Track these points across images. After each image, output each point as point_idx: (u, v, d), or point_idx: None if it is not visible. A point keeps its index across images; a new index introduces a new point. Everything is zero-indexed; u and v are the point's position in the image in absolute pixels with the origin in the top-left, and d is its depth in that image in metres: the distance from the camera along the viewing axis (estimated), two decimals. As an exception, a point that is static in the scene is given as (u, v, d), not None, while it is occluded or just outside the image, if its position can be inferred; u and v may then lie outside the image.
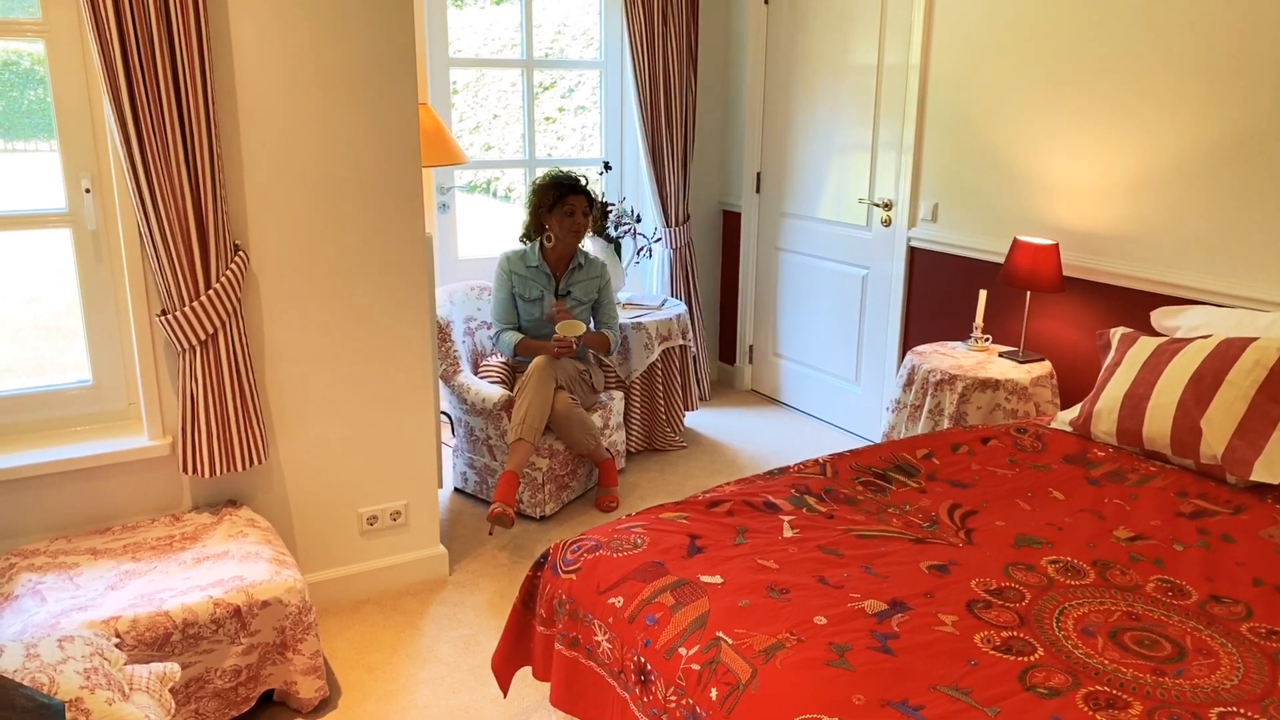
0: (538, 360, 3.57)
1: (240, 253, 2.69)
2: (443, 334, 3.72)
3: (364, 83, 2.79)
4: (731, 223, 5.17)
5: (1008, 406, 3.25)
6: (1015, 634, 1.85)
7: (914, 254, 4.10)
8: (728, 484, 2.57)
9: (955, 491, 2.52)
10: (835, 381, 4.64)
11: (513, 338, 3.72)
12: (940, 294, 4.00)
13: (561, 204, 3.68)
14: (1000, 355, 3.50)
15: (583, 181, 3.73)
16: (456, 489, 3.93)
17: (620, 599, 2.05)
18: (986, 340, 3.59)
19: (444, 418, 4.56)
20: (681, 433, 4.41)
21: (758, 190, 4.99)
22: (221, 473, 2.75)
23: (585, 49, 9.70)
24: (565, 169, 3.78)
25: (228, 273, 2.64)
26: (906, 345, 4.21)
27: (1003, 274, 3.41)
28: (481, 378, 3.81)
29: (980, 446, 2.81)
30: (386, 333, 2.99)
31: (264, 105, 2.68)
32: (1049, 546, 2.22)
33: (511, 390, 3.84)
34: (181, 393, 2.68)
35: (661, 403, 4.30)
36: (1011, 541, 2.24)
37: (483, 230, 10.51)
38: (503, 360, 3.89)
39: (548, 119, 11.54)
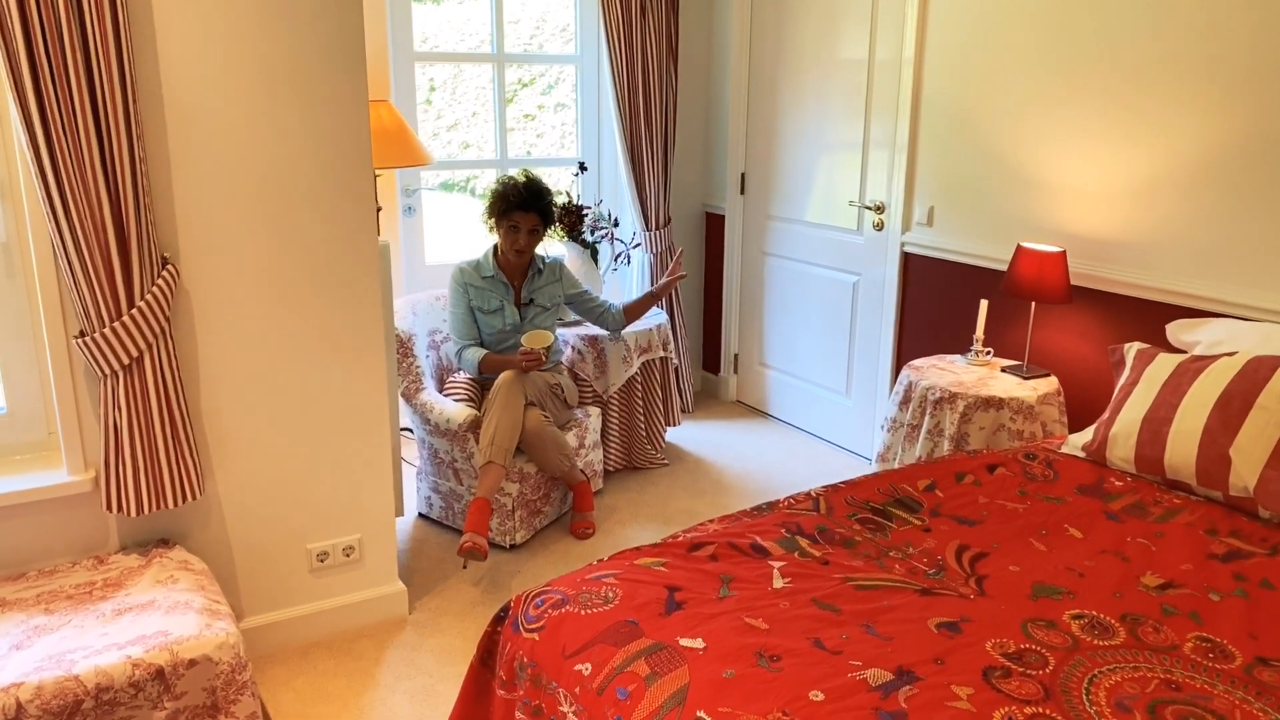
0: (505, 375, 3.31)
1: (169, 266, 2.42)
2: (404, 348, 3.45)
3: (308, 77, 2.52)
4: (715, 226, 4.92)
5: (1013, 427, 3.01)
6: (1041, 710, 1.61)
7: (908, 260, 3.86)
8: (711, 521, 2.32)
9: (963, 530, 2.28)
10: (825, 394, 4.40)
11: (476, 354, 3.46)
12: (936, 303, 3.77)
13: (506, 217, 3.44)
14: (1003, 370, 3.26)
15: (542, 194, 3.43)
16: (421, 514, 3.67)
17: (588, 666, 1.80)
18: (987, 354, 3.35)
19: (407, 435, 4.30)
20: (663, 449, 4.16)
21: (742, 191, 4.74)
22: (150, 510, 2.48)
23: (565, 45, 9.43)
24: (536, 171, 3.51)
25: (154, 288, 2.37)
26: (900, 357, 3.97)
27: (1005, 283, 3.18)
28: (447, 395, 3.55)
29: (987, 475, 2.57)
30: (337, 350, 2.73)
31: (195, 102, 2.41)
32: (1070, 597, 1.98)
33: (479, 409, 3.57)
34: (104, 423, 2.40)
35: (641, 418, 4.05)
36: (1029, 591, 1.99)
37: (458, 232, 10.19)
38: (469, 377, 3.63)
39: (527, 116, 11.27)
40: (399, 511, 3.16)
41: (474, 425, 3.30)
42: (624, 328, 3.78)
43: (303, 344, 2.67)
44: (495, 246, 3.54)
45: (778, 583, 2.01)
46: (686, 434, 4.51)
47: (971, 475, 2.56)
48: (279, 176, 2.55)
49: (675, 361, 4.23)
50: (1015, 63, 3.33)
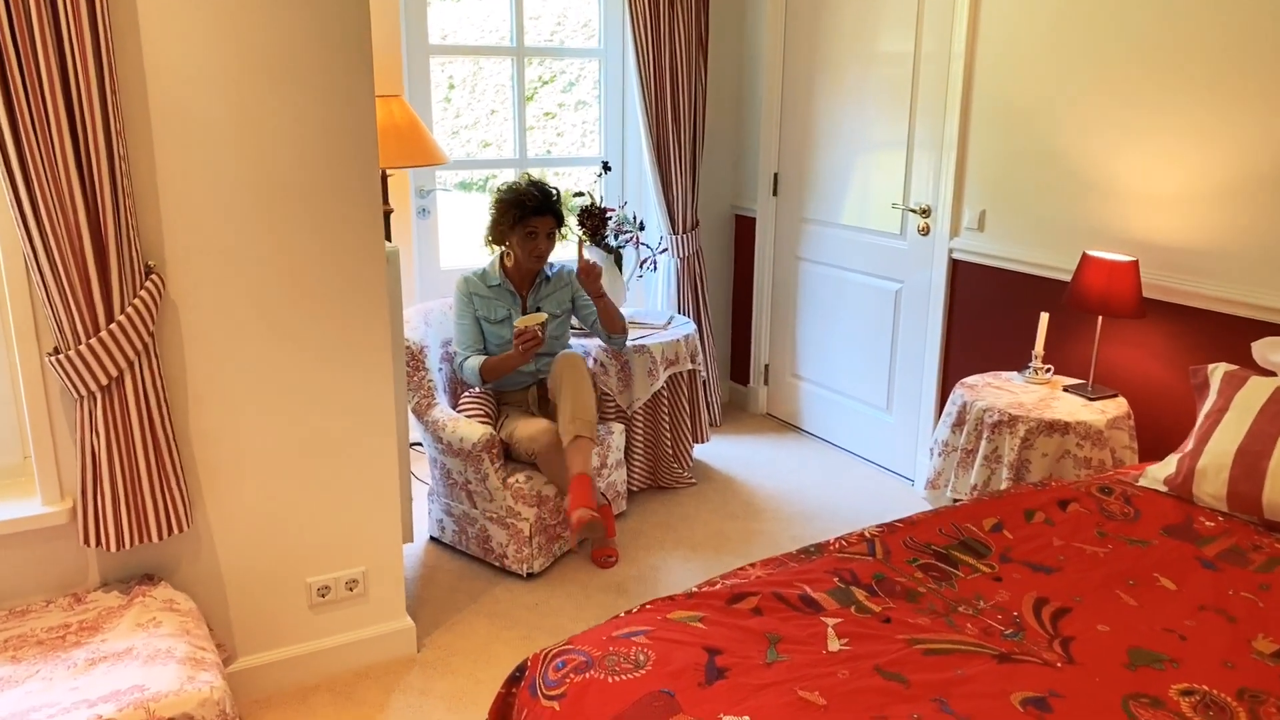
0: (563, 354, 3.27)
1: (154, 275, 2.19)
2: (414, 361, 3.21)
3: (310, 68, 2.29)
4: (745, 229, 4.66)
5: (1079, 454, 2.74)
6: (1158, 817, 1.35)
7: (956, 267, 3.59)
8: (752, 566, 2.07)
9: (1038, 579, 2.01)
10: (864, 409, 4.14)
11: (476, 361, 3.27)
12: (988, 314, 3.49)
13: (523, 224, 3.22)
14: (1065, 390, 2.99)
15: (553, 195, 3.27)
16: (432, 538, 3.43)
17: (617, 747, 1.55)
18: (1047, 371, 3.08)
19: (418, 450, 4.06)
20: (690, 468, 3.90)
21: (775, 193, 4.48)
22: (131, 545, 2.25)
23: (586, 40, 9.19)
24: (558, 172, 3.26)
25: (136, 300, 2.14)
26: (947, 371, 3.70)
27: (1069, 295, 2.90)
28: (461, 412, 3.31)
29: (1059, 513, 2.30)
30: (340, 366, 2.49)
31: (183, 94, 2.17)
32: (1175, 666, 1.71)
33: (495, 425, 3.33)
34: (80, 449, 2.18)
35: (668, 435, 3.80)
36: (1125, 659, 1.73)
37: (475, 235, 9.97)
38: (483, 391, 3.39)
39: (547, 114, 11.02)
40: (408, 537, 2.92)
41: (489, 445, 3.06)
42: (611, 338, 3.50)
43: (302, 359, 2.44)
44: (501, 255, 3.34)
45: (833, 644, 1.75)
46: (714, 450, 4.26)
47: (1042, 512, 2.29)
48: (277, 177, 2.31)
49: (704, 374, 3.97)
50: (1079, 54, 3.05)
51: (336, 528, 2.58)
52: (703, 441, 4.00)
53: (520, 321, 3.13)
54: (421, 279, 4.19)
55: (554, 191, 3.28)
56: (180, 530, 2.30)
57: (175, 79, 2.16)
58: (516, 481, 3.09)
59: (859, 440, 4.18)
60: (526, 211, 3.21)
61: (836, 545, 2.14)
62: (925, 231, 3.70)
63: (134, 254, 2.13)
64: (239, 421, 2.40)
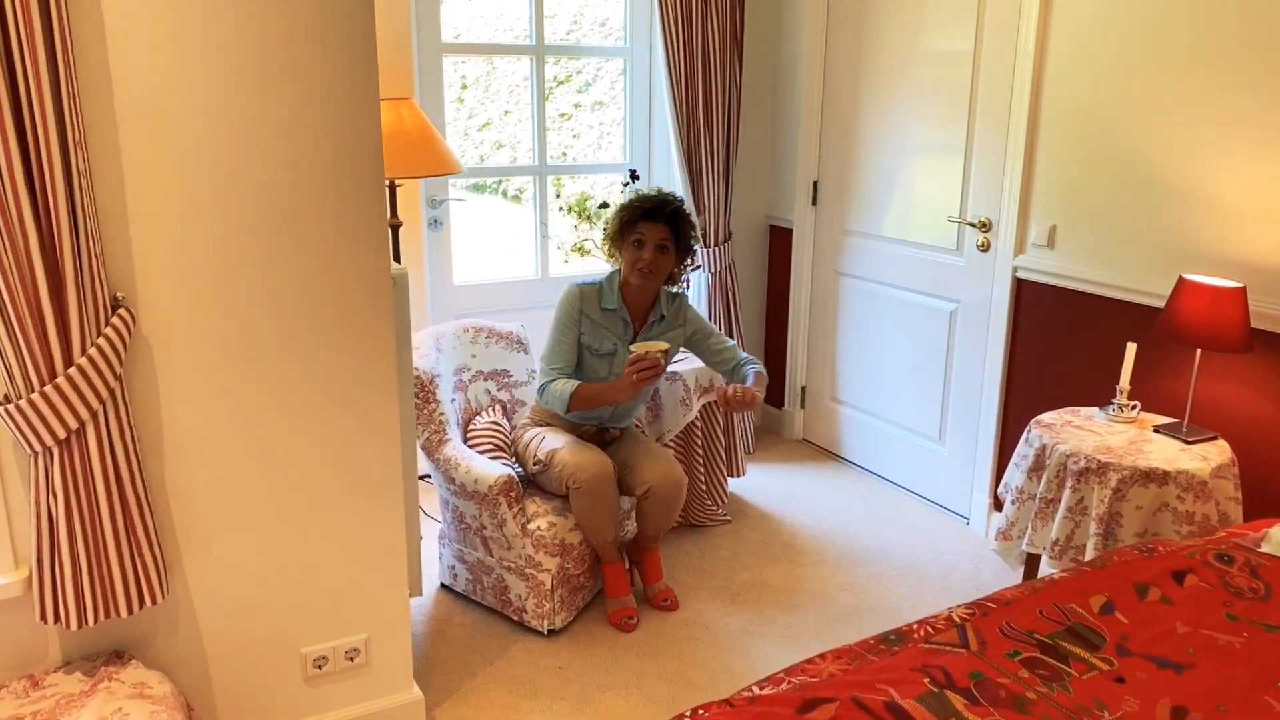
0: (592, 467, 2.79)
1: (122, 309, 1.88)
2: (425, 392, 2.90)
3: (304, 69, 1.97)
4: (781, 241, 4.33)
5: (1180, 508, 2.40)
6: None
7: (1021, 287, 3.26)
8: (823, 658, 1.74)
9: (1168, 678, 1.68)
10: (912, 439, 3.80)
11: (568, 386, 2.84)
12: (1058, 340, 3.16)
13: (631, 229, 2.85)
14: (1156, 430, 2.66)
15: (673, 204, 2.87)
16: (443, 585, 3.12)
17: None
18: (1134, 409, 2.74)
19: (427, 481, 3.75)
20: (725, 504, 3.58)
21: (814, 203, 4.15)
22: (95, 621, 1.94)
23: (604, 39, 8.88)
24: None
25: (101, 340, 1.83)
26: (1009, 400, 3.36)
27: (1162, 323, 2.57)
28: (473, 444, 3.00)
29: (1175, 588, 1.97)
30: (339, 408, 2.18)
31: (156, 98, 1.86)
32: (1364, 811, 1.38)
33: (513, 455, 3.02)
34: (35, 512, 1.87)
35: (701, 470, 3.47)
36: (1300, 799, 1.40)
37: (489, 242, 9.58)
38: (492, 421, 3.06)
39: (563, 115, 10.72)
40: (416, 591, 2.61)
41: (507, 488, 2.74)
42: (734, 379, 3.07)
43: (295, 402, 2.13)
44: (619, 273, 2.95)
45: (935, 776, 1.43)
46: (749, 481, 3.93)
47: (1157, 588, 1.96)
48: (266, 194, 2.00)
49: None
50: (1171, 45, 2.71)
51: (335, 590, 2.27)
52: (738, 475, 3.68)
53: (639, 346, 2.73)
54: (434, 297, 3.88)
55: (677, 201, 2.90)
56: (154, 602, 1.99)
57: (147, 82, 1.85)
58: (538, 528, 2.78)
59: (907, 473, 3.84)
60: (636, 215, 2.84)
61: (921, 632, 1.81)
62: (985, 247, 3.36)
63: (97, 285, 1.82)
64: (223, 474, 2.09)
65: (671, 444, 3.37)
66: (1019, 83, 3.14)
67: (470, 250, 8.58)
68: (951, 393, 3.59)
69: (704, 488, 3.49)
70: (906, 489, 3.86)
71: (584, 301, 2.89)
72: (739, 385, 2.85)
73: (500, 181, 11.23)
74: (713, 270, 4.02)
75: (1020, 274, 3.24)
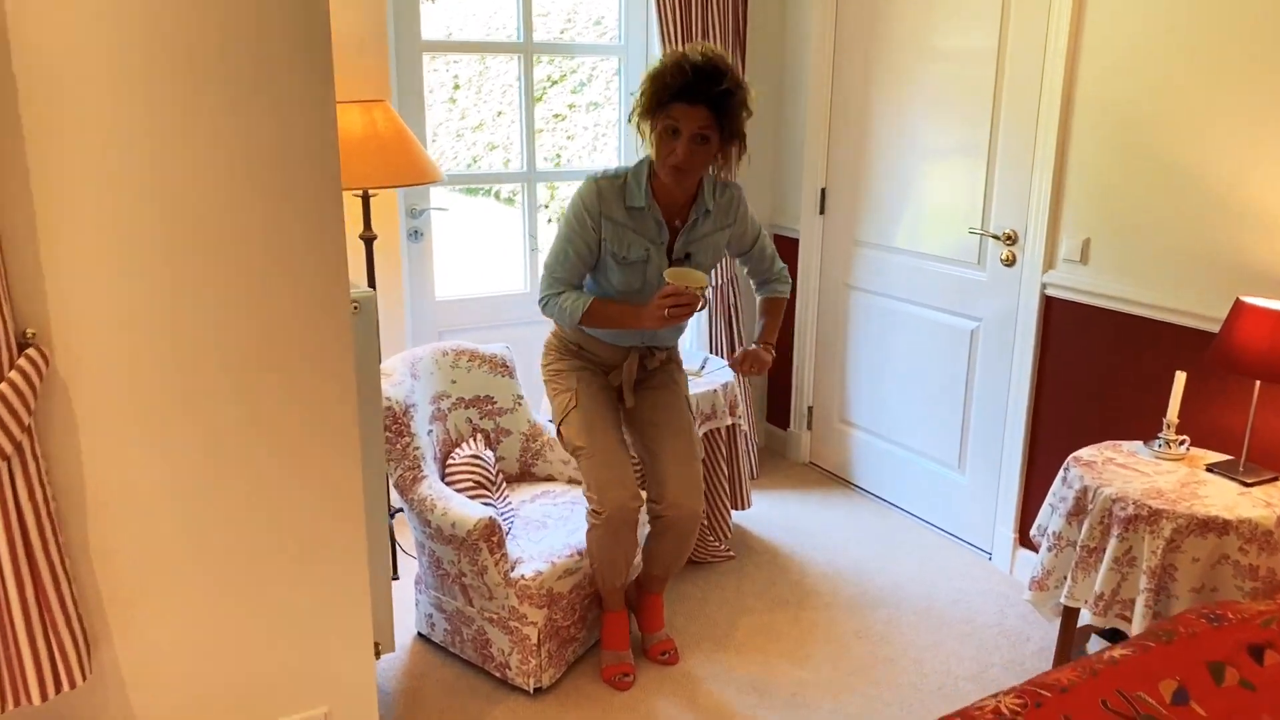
0: (585, 415, 2.49)
1: (32, 347, 1.61)
2: (397, 424, 2.63)
3: (243, 73, 1.70)
4: (786, 252, 4.06)
5: (1243, 561, 2.14)
6: None
7: (1051, 305, 2.99)
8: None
9: (1262, 793, 1.42)
10: (929, 465, 3.54)
11: (581, 301, 2.41)
12: (1092, 363, 2.89)
13: (662, 112, 2.26)
14: (1209, 469, 2.39)
15: (718, 76, 2.24)
16: (420, 634, 2.85)
17: None
18: (1182, 444, 2.47)
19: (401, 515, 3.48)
20: (728, 538, 3.31)
21: (821, 211, 3.88)
22: (3, 710, 1.67)
23: (600, 38, 8.63)
24: (704, 51, 2.27)
25: (4, 385, 1.57)
26: (1037, 429, 3.10)
27: (1216, 350, 2.31)
28: (450, 482, 2.73)
29: (1255, 667, 1.70)
30: (289, 457, 1.91)
31: (71, 103, 1.59)
32: None
33: (493, 491, 2.75)
34: (-73, 585, 1.60)
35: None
36: None
37: (477, 252, 9.24)
38: (472, 454, 2.78)
39: (557, 116, 10.45)
40: (387, 646, 2.34)
41: (488, 532, 2.47)
42: (760, 295, 2.79)
43: (239, 451, 1.86)
44: (649, 162, 2.40)
45: None
46: (753, 508, 3.66)
47: (1233, 668, 1.69)
48: (201, 214, 1.73)
49: (745, 428, 3.38)
50: (1222, 47, 2.45)
51: (289, 660, 2.00)
52: (743, 508, 3.41)
53: (673, 274, 2.29)
54: (414, 314, 3.60)
55: (727, 73, 2.26)
56: (72, 685, 1.72)
57: (60, 81, 1.58)
58: (523, 577, 2.51)
59: (923, 502, 3.58)
60: (668, 92, 2.23)
61: (966, 729, 1.54)
62: (1010, 262, 3.10)
63: (2, 320, 1.56)
64: (156, 535, 1.82)
65: (670, 476, 3.10)
66: (1049, 82, 2.88)
67: (455, 262, 8.26)
68: (972, 417, 3.32)
69: (706, 522, 3.23)
70: (923, 520, 3.59)
71: (603, 201, 2.37)
72: (747, 350, 2.57)
73: (492, 186, 10.95)
74: (714, 283, 3.75)
75: (1050, 291, 2.97)
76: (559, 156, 10.00)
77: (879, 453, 3.75)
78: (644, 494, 2.61)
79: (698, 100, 2.23)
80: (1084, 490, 2.35)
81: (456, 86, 11.54)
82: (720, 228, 2.51)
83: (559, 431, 2.59)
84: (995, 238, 3.13)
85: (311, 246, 1.85)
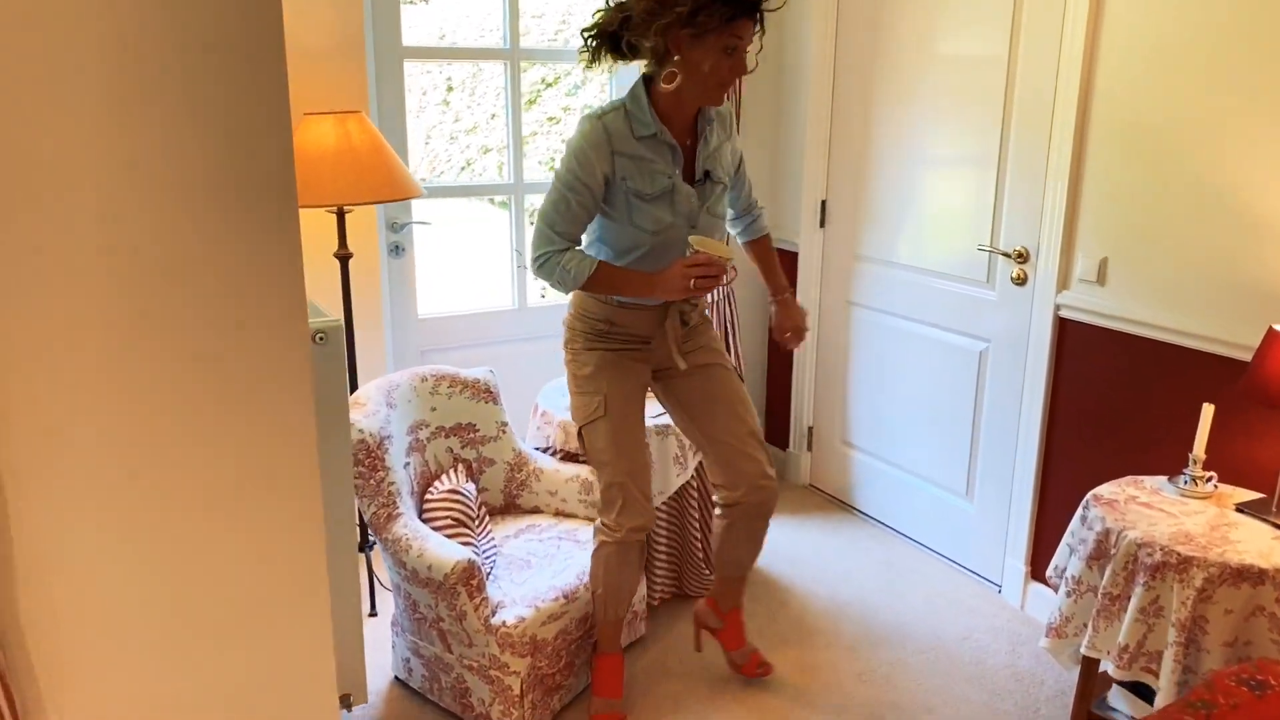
0: (613, 417, 2.30)
1: (-53, 397, 1.45)
2: (371, 458, 2.46)
3: (183, 80, 1.53)
4: (785, 267, 3.89)
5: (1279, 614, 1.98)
6: None
7: (1065, 328, 2.83)
8: None
9: None
10: (935, 492, 3.37)
11: (586, 264, 2.18)
12: (1110, 390, 2.73)
13: (726, 32, 2.06)
14: (1239, 509, 2.23)
15: None
16: (398, 679, 2.68)
17: None
18: (1209, 481, 2.31)
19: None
20: (724, 571, 3.14)
21: (822, 225, 3.72)
22: (-85, 800, 1.50)
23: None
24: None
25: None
26: (1050, 457, 2.93)
27: (1249, 382, 2.15)
28: (427, 520, 2.56)
29: (1305, 747, 1.54)
30: (242, 504, 1.74)
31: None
32: None
33: (472, 529, 2.59)
34: None
35: (697, 534, 3.04)
36: None
37: (464, 265, 8.99)
38: (451, 489, 2.61)
39: (551, 119, 10.28)
40: (360, 697, 2.18)
41: (467, 575, 2.31)
42: (743, 238, 2.64)
43: (185, 500, 1.69)
44: (645, 83, 2.18)
45: None
46: (751, 538, 3.50)
47: (1282, 749, 1.53)
48: (136, 238, 1.56)
49: (741, 454, 3.21)
50: (1253, 54, 2.29)
51: (245, 728, 1.83)
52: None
53: (700, 242, 2.11)
54: (394, 334, 3.44)
55: None
56: (-3, 768, 1.56)
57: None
58: (505, 623, 2.35)
59: (928, 530, 3.41)
60: (737, 8, 2.05)
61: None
62: (1021, 281, 2.94)
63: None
64: (95, 595, 1.65)
65: (663, 508, 2.94)
66: (1064, 91, 2.71)
67: (440, 277, 8.02)
68: (981, 443, 3.16)
69: (700, 555, 3.06)
70: (928, 548, 3.42)
71: (613, 137, 2.14)
72: (780, 317, 2.50)
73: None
74: (709, 299, 3.58)
75: (1064, 313, 2.81)
76: (552, 160, 9.83)
77: (882, 476, 3.59)
78: (648, 514, 2.43)
79: (754, 13, 2.11)
80: (1106, 533, 2.19)
81: (450, 89, 11.38)
82: (725, 139, 2.32)
83: (580, 435, 2.39)
84: (1006, 255, 2.97)
85: (263, 275, 1.68)
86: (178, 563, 1.69)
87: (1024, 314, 2.95)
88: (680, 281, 2.12)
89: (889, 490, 3.57)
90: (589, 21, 2.20)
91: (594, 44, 2.18)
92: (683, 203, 2.22)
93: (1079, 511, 2.32)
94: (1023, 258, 2.92)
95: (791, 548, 3.43)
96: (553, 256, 2.20)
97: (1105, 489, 2.35)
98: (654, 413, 2.91)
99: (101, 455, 1.59)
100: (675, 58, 2.09)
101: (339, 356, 2.11)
